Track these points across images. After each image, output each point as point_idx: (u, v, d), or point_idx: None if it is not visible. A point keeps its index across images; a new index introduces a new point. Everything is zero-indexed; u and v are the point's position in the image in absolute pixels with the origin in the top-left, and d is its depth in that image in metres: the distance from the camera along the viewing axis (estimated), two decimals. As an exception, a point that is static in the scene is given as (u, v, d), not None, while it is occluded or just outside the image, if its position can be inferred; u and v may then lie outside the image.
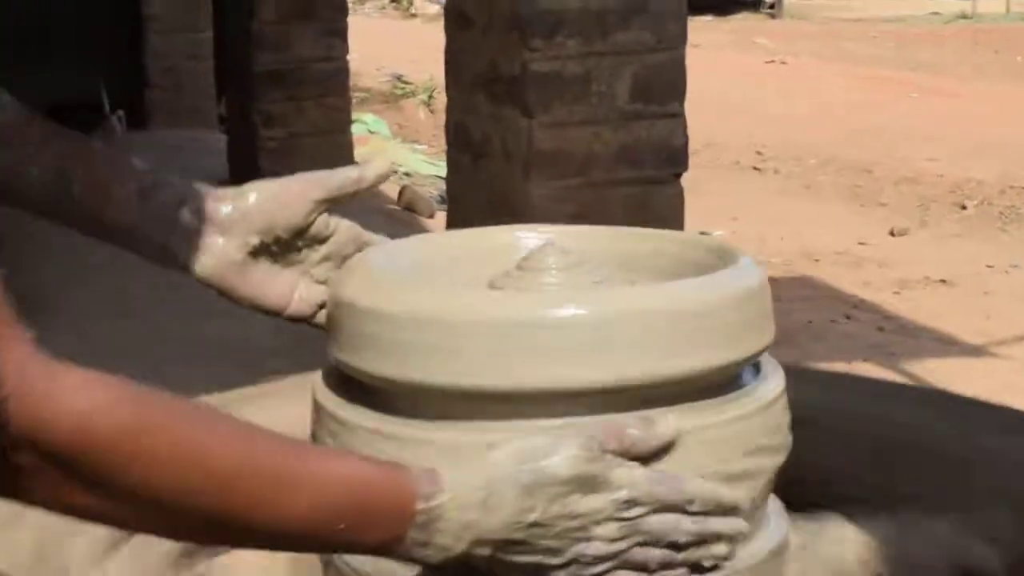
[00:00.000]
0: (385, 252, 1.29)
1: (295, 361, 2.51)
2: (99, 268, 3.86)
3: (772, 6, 19.76)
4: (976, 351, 3.90)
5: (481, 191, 2.78)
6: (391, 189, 6.25)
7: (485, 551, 1.09)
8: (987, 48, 13.39)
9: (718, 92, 8.74)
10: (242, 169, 5.32)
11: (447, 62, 2.93)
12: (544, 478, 1.10)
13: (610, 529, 1.13)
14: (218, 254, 1.26)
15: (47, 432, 0.90)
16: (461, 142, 2.89)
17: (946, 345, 3.97)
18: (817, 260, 5.05)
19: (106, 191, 1.24)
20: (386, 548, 1.07)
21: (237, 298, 1.27)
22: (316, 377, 1.25)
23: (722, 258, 1.24)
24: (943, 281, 4.71)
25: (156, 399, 0.97)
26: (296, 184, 1.28)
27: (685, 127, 2.69)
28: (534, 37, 2.58)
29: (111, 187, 1.25)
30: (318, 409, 1.23)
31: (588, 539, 1.12)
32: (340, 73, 5.30)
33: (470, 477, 1.08)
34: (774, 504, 1.32)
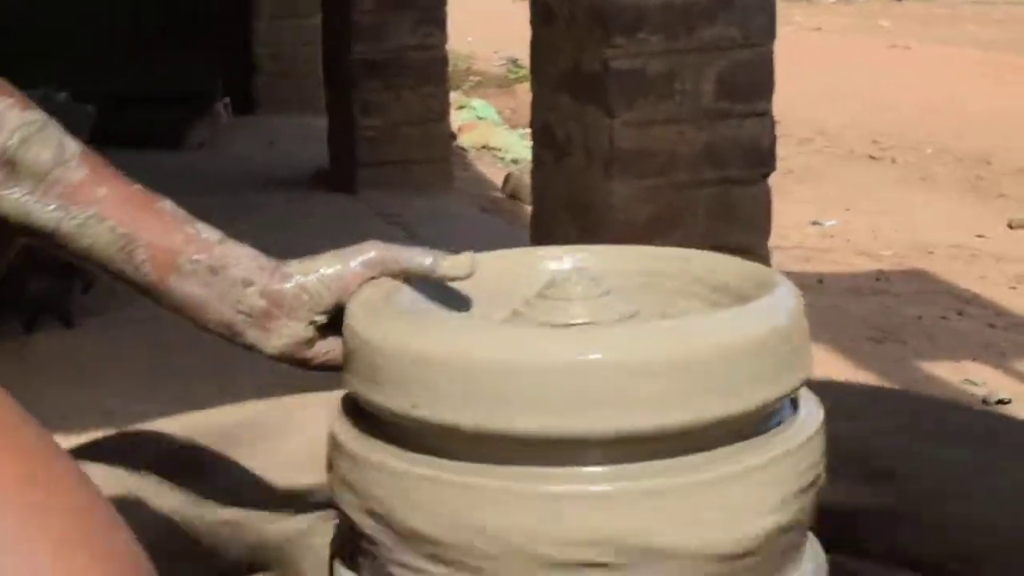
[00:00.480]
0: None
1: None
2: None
3: (898, -12, 19.56)
4: (1093, 351, 3.79)
5: (563, 189, 2.77)
6: (497, 175, 6.26)
7: None
8: (1120, 31, 13.10)
9: (836, 78, 8.66)
10: (341, 156, 5.36)
11: (532, 57, 2.92)
12: None
13: None
14: (286, 336, 1.25)
15: None
16: (545, 140, 2.88)
17: (1061, 344, 3.86)
18: (931, 253, 4.96)
19: (174, 263, 1.23)
20: None
21: (311, 368, 1.27)
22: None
23: (758, 283, 1.19)
24: (1063, 277, 4.60)
25: None
26: (361, 266, 1.25)
27: (773, 126, 2.65)
28: (615, 33, 2.57)
29: (179, 259, 1.23)
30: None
31: None
32: (437, 62, 5.29)
33: None
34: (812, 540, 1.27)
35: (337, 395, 1.38)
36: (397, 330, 1.14)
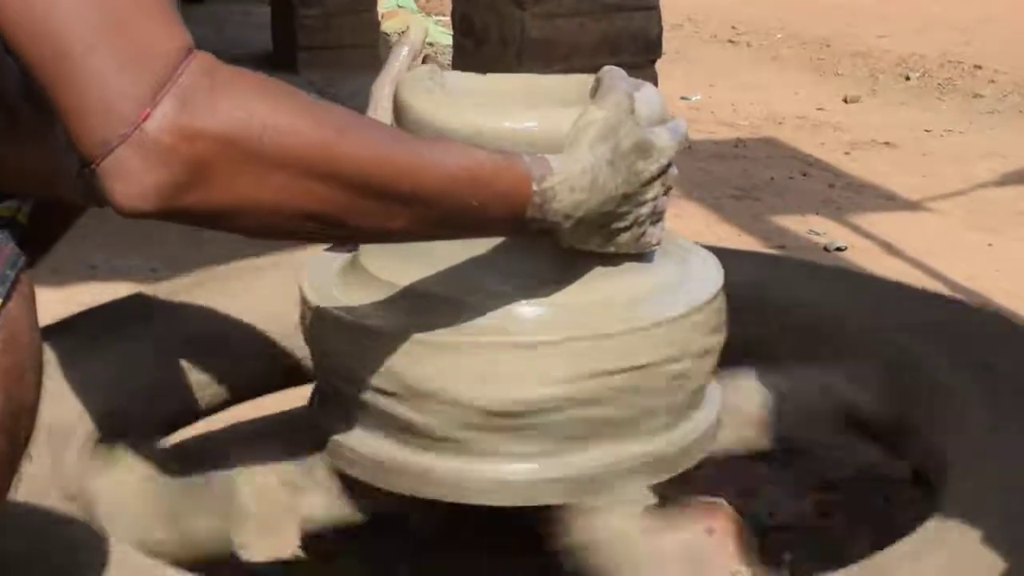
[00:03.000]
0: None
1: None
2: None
3: None
4: (913, 206, 3.84)
5: (482, 72, 2.72)
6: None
7: (584, 227, 1.09)
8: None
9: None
10: (283, 41, 5.25)
11: (452, -45, 2.85)
12: (621, 151, 1.10)
13: (655, 189, 1.14)
14: None
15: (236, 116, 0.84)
16: (464, 28, 2.82)
17: (887, 200, 3.90)
18: (780, 123, 4.97)
19: None
20: (508, 224, 1.05)
21: None
22: None
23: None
24: (887, 143, 4.62)
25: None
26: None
27: (659, 18, 2.62)
28: (527, -65, 2.51)
29: None
30: None
31: (643, 201, 1.12)
32: (367, -41, 5.16)
33: (573, 163, 1.07)
34: (713, 385, 1.29)
35: (298, 258, 1.36)
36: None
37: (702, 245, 1.38)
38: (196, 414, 1.52)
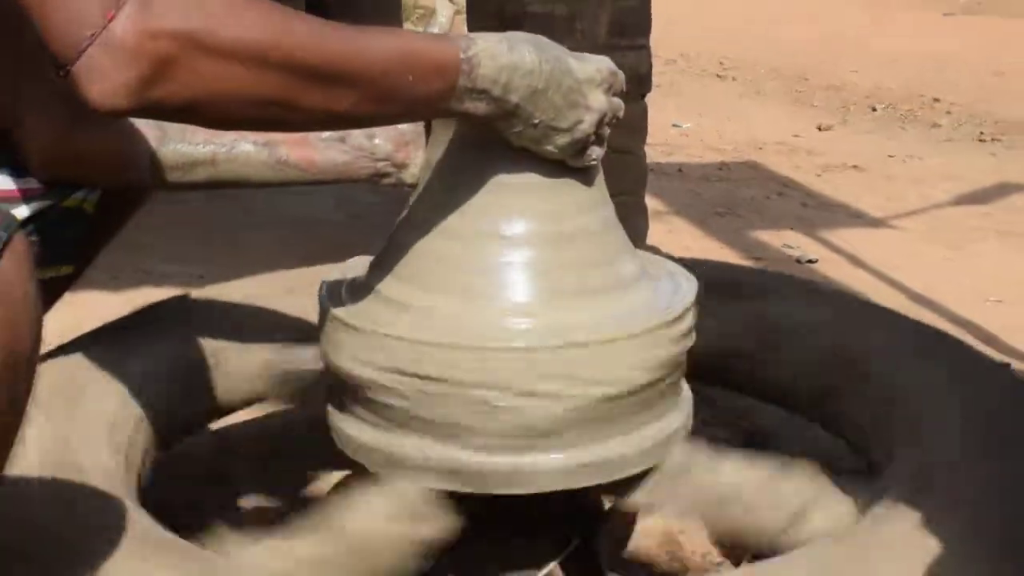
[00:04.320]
0: None
1: (348, 228, 2.44)
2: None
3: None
4: (877, 223, 3.86)
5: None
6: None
7: (515, 97, 1.05)
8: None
9: (692, 13, 8.57)
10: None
11: (468, 3, 2.85)
12: (542, 44, 1.09)
13: (599, 100, 1.11)
14: (415, 165, 1.23)
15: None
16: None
17: (854, 218, 3.92)
18: (761, 148, 4.97)
19: (311, 145, 1.19)
20: (445, 97, 1.02)
21: None
22: None
23: None
24: (855, 167, 4.63)
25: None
26: None
27: (649, 57, 2.63)
28: (532, -14, 2.52)
29: (312, 141, 1.19)
30: None
31: (587, 107, 1.10)
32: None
33: (492, 36, 1.06)
34: (686, 388, 1.30)
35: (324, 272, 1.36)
36: None
37: (690, 258, 1.40)
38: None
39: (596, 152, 1.15)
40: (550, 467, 1.15)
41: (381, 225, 1.25)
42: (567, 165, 1.15)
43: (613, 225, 1.24)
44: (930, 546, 1.04)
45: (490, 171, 1.15)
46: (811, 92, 6.31)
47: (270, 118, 0.93)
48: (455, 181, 1.16)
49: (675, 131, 5.29)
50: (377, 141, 1.23)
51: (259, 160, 1.18)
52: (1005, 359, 2.49)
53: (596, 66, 1.13)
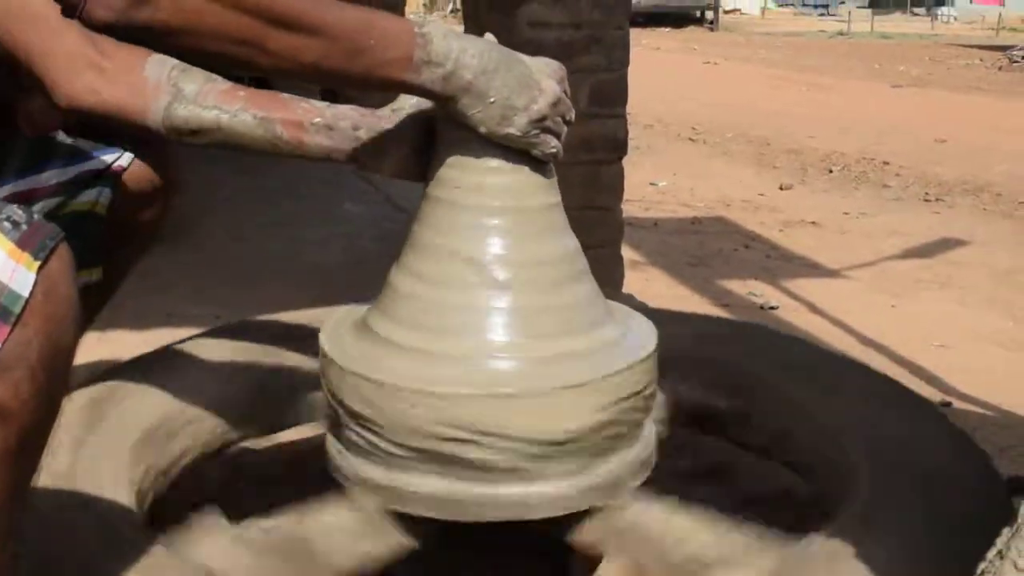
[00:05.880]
0: None
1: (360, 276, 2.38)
2: (225, 202, 3.79)
3: (711, 23, 19.49)
4: (833, 273, 3.83)
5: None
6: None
7: (467, 74, 1.05)
8: (855, 57, 13.14)
9: (669, 84, 8.62)
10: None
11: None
12: (490, 40, 1.11)
13: (551, 84, 1.11)
14: (397, 157, 1.22)
15: None
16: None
17: (812, 269, 3.89)
18: (729, 205, 4.97)
19: (303, 127, 1.20)
20: (404, 67, 1.03)
21: (412, 177, 1.23)
22: None
23: None
24: (813, 223, 4.61)
25: None
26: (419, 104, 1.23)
27: (626, 124, 2.61)
28: (521, 59, 2.51)
29: (305, 124, 1.20)
30: None
31: (540, 89, 1.09)
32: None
33: (440, 24, 1.08)
34: (649, 425, 1.26)
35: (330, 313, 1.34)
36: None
37: (660, 308, 1.37)
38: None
39: (554, 143, 1.14)
40: (506, 500, 1.12)
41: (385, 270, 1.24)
42: (532, 169, 1.15)
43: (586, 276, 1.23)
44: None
45: (461, 214, 1.15)
46: (773, 155, 6.31)
47: (242, 57, 0.96)
48: (433, 222, 1.18)
49: (652, 189, 5.28)
50: (359, 133, 1.24)
51: (258, 133, 1.20)
52: (947, 399, 2.45)
53: (544, 60, 1.14)
